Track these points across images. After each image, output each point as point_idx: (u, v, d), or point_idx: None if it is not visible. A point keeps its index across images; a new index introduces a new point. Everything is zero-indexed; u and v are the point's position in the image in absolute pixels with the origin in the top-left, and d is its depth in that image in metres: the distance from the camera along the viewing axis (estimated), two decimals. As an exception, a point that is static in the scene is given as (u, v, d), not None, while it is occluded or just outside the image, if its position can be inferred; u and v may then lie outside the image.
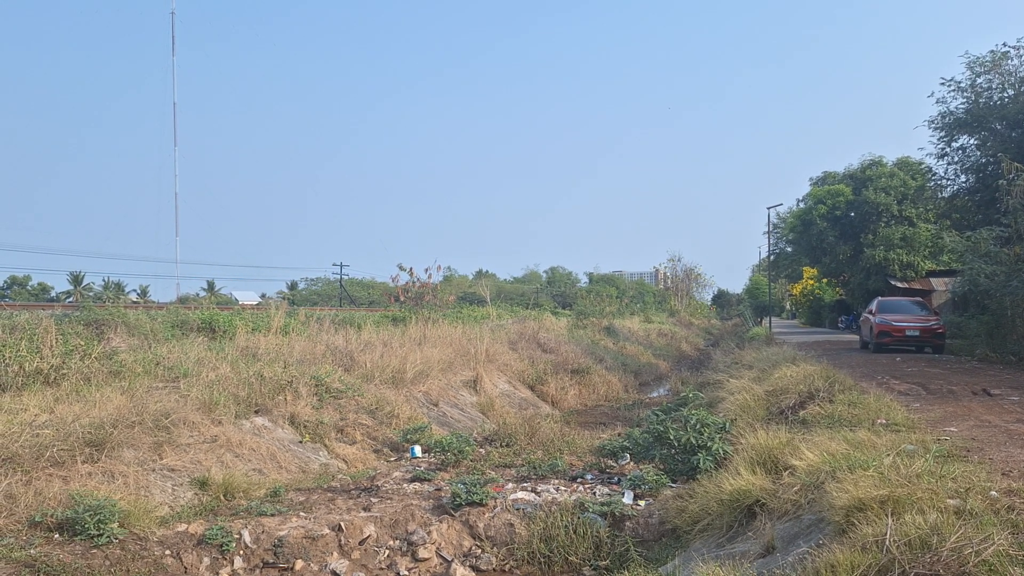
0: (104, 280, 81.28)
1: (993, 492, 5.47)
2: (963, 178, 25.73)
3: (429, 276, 29.08)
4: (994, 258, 19.36)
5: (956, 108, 24.19)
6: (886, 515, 4.99)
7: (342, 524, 8.44)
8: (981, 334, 21.13)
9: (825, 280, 51.01)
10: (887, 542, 4.61)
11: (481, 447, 13.28)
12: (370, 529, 8.52)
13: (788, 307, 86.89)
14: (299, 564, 7.95)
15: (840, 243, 37.06)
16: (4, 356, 11.15)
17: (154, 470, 9.25)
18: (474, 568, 8.44)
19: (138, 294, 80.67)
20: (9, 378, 10.78)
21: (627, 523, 8.65)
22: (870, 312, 24.82)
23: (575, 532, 8.37)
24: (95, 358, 11.96)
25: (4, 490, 7.59)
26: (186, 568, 7.58)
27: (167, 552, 7.60)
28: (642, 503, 9.14)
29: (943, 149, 25.57)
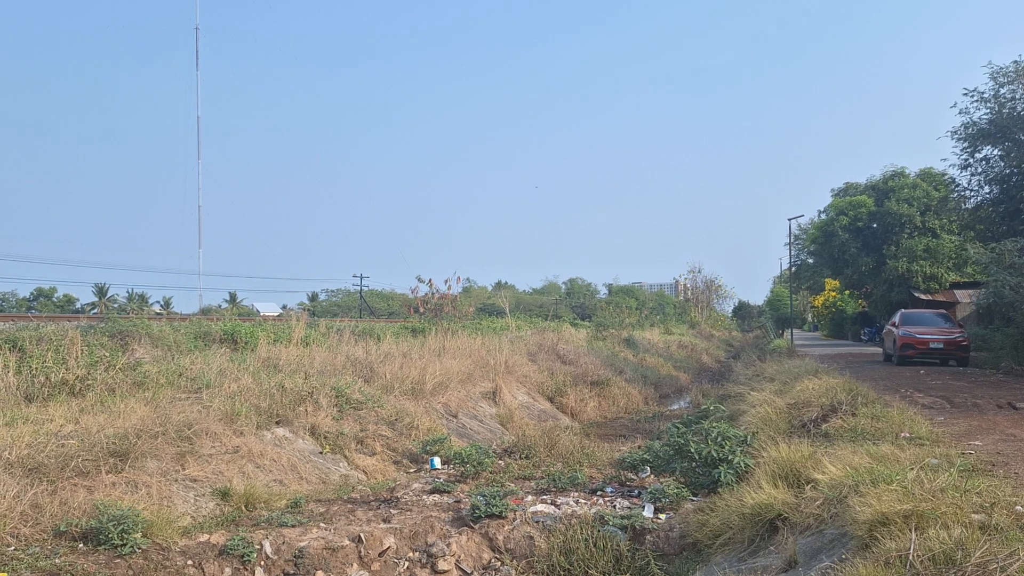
0: (128, 292, 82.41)
1: (1019, 507, 5.40)
2: (987, 189, 25.48)
3: (448, 287, 29.22)
4: (1019, 270, 19.15)
5: (979, 118, 23.98)
6: (910, 530, 4.94)
7: (362, 535, 8.46)
8: (1006, 347, 20.87)
9: (847, 292, 50.67)
10: (911, 557, 4.57)
11: (500, 459, 13.27)
12: (390, 541, 8.54)
13: (810, 319, 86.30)
14: (319, 575, 7.98)
15: (862, 254, 36.77)
16: (31, 367, 11.32)
17: (177, 480, 9.34)
18: (493, 580, 8.42)
19: (161, 306, 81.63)
20: (36, 389, 10.94)
21: (647, 537, 8.61)
22: (893, 324, 24.59)
23: (595, 545, 8.34)
24: (119, 369, 12.10)
25: (30, 499, 7.69)
26: (208, 578, 7.63)
27: (189, 562, 7.65)
28: (663, 516, 9.09)
29: (966, 160, 25.34)
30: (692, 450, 9.93)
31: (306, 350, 17.00)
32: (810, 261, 48.25)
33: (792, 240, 45.74)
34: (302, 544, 8.18)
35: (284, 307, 78.75)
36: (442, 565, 8.41)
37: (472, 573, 8.46)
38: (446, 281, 29.24)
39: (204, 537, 8.09)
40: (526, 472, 12.03)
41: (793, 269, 51.02)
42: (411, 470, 12.68)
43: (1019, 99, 23.03)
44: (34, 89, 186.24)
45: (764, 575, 5.97)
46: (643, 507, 9.35)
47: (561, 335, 31.61)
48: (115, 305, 76.74)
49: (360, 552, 8.32)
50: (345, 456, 12.27)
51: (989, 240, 24.67)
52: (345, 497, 10.27)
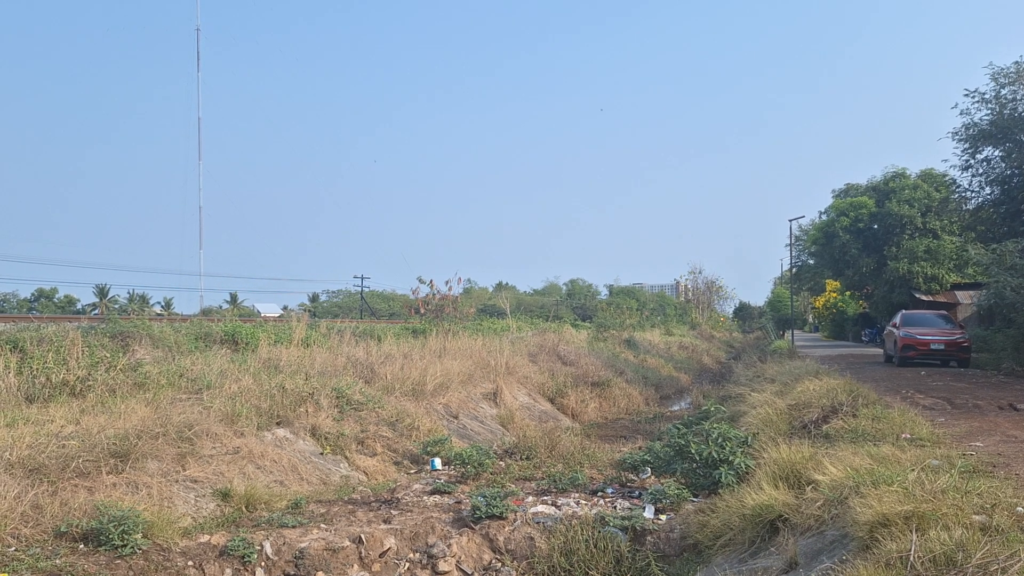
0: (129, 293, 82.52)
1: (1020, 508, 5.39)
2: (988, 190, 25.48)
3: (449, 288, 29.20)
4: (1020, 271, 19.15)
5: (980, 119, 23.98)
6: (910, 531, 4.94)
7: (362, 536, 8.46)
8: (1007, 348, 20.85)
9: (848, 293, 50.64)
10: (911, 558, 4.57)
11: (501, 460, 13.27)
12: (390, 542, 8.54)
13: (811, 320, 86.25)
14: (320, 576, 7.98)
15: (863, 256, 36.74)
16: (32, 368, 11.33)
17: (177, 481, 9.34)
18: (494, 581, 8.42)
19: (162, 306, 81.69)
20: (37, 389, 10.95)
21: (648, 538, 8.61)
22: (894, 325, 24.57)
23: (596, 546, 8.34)
24: (120, 370, 12.11)
25: (31, 500, 7.69)
26: (208, 579, 7.63)
27: (190, 563, 7.66)
28: (663, 517, 9.09)
29: (967, 161, 25.34)
30: (693, 451, 9.93)
31: (307, 351, 17.00)
32: (811, 262, 48.26)
33: (793, 241, 45.78)
34: (303, 545, 8.19)
35: (285, 308, 78.72)
36: (443, 566, 8.41)
37: (473, 574, 8.45)
38: (447, 282, 29.25)
39: (205, 538, 8.10)
40: (527, 473, 12.03)
41: (794, 270, 51.03)
42: (412, 471, 12.68)
43: (1020, 100, 23.02)
44: (35, 91, 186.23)
45: (765, 576, 5.97)
46: (644, 508, 9.34)
47: (562, 336, 31.62)
48: (116, 306, 76.87)
49: (361, 553, 8.32)
50: (346, 457, 12.27)
51: (990, 241, 24.67)
52: (346, 498, 10.27)
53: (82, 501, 8.05)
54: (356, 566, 8.21)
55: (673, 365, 37.73)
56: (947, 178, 31.12)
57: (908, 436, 8.78)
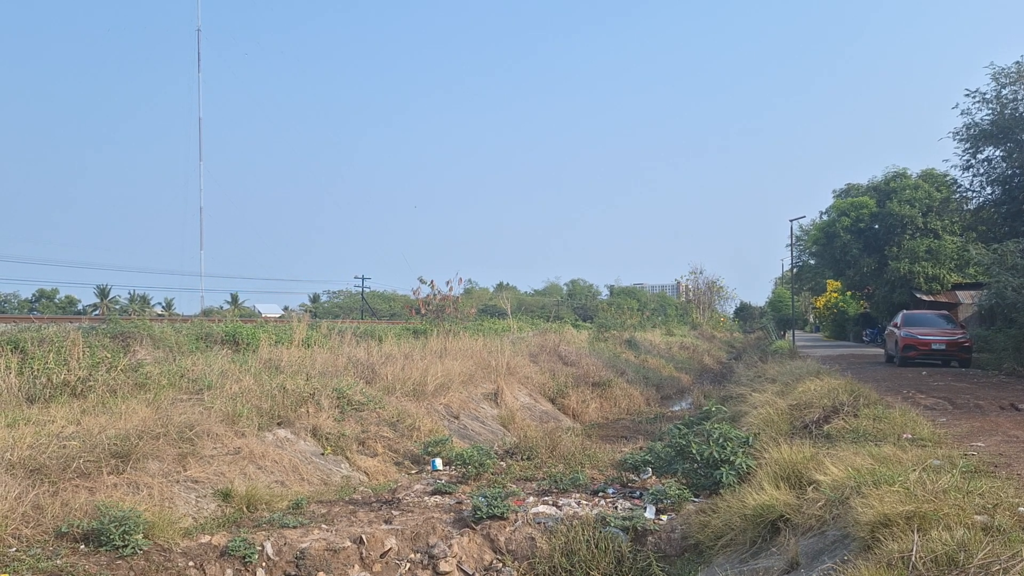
0: (130, 293, 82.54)
1: (1021, 508, 5.39)
2: (989, 190, 25.48)
3: (450, 289, 29.24)
4: (1021, 271, 19.14)
5: (981, 119, 23.98)
6: (912, 531, 4.94)
7: (363, 537, 8.46)
8: (1008, 348, 20.84)
9: (849, 293, 50.64)
10: (913, 559, 4.56)
11: (502, 460, 13.27)
12: (391, 542, 8.54)
13: (811, 320, 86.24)
14: (321, 576, 7.98)
15: (864, 256, 36.74)
16: (33, 368, 11.33)
17: (178, 482, 9.34)
18: (495, 582, 8.41)
19: (163, 307, 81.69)
20: (37, 390, 10.95)
21: (649, 538, 8.60)
22: (895, 325, 24.56)
23: (597, 547, 8.33)
24: (121, 370, 12.11)
25: (32, 501, 7.69)
26: (209, 579, 7.62)
27: (190, 563, 7.65)
28: (664, 518, 9.08)
29: (968, 161, 25.34)
30: (694, 451, 9.93)
31: (308, 351, 17.00)
32: (812, 262, 48.34)
33: (794, 241, 45.75)
34: (303, 545, 8.18)
35: (286, 308, 78.73)
36: (444, 566, 8.41)
37: (474, 574, 8.45)
38: (448, 282, 29.30)
39: (205, 538, 8.09)
40: (528, 473, 12.03)
41: (795, 270, 51.08)
42: (413, 471, 12.68)
43: (1021, 100, 23.02)
44: (36, 92, 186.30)
45: (766, 576, 5.96)
46: (645, 508, 9.34)
47: (563, 336, 31.62)
48: (117, 306, 76.91)
49: (362, 553, 8.31)
50: (347, 457, 12.27)
51: (991, 241, 24.68)
52: (347, 498, 10.27)
53: (83, 502, 8.04)
54: (357, 566, 8.20)
55: (674, 365, 37.72)
56: (948, 178, 31.12)
57: (909, 436, 8.77)
